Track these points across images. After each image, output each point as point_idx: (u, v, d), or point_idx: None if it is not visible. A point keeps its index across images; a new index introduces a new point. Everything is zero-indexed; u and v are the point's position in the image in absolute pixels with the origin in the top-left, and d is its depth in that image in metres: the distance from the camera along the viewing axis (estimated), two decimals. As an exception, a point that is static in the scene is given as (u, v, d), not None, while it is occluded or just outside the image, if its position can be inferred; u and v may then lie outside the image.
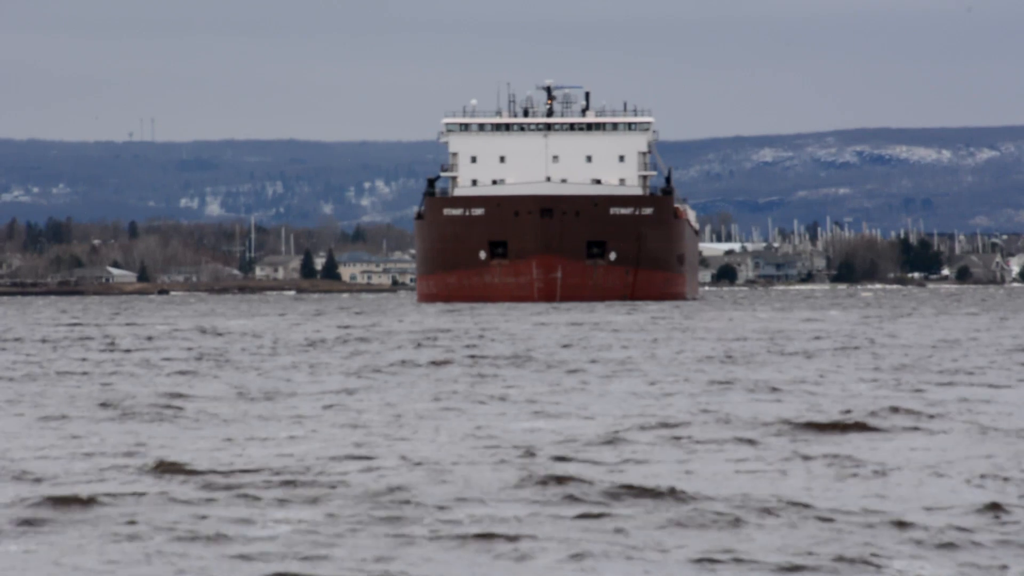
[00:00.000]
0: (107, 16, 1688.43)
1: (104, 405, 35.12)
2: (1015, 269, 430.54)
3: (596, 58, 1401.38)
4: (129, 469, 23.54)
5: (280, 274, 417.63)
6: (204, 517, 18.88)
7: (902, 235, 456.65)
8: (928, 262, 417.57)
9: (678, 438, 27.29)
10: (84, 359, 55.77)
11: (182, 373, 47.36)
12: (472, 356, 54.54)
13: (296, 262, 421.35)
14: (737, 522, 18.30)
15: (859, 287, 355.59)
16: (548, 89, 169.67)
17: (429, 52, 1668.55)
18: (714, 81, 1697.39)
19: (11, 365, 52.32)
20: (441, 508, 19.41)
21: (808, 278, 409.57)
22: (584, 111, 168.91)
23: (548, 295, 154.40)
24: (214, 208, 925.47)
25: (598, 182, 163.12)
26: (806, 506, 19.34)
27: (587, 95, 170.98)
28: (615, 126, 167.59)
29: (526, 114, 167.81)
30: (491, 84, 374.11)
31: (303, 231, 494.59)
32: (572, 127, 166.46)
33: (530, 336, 70.85)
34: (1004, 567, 15.94)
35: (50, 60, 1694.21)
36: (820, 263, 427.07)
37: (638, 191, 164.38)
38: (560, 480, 21.56)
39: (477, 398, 36.53)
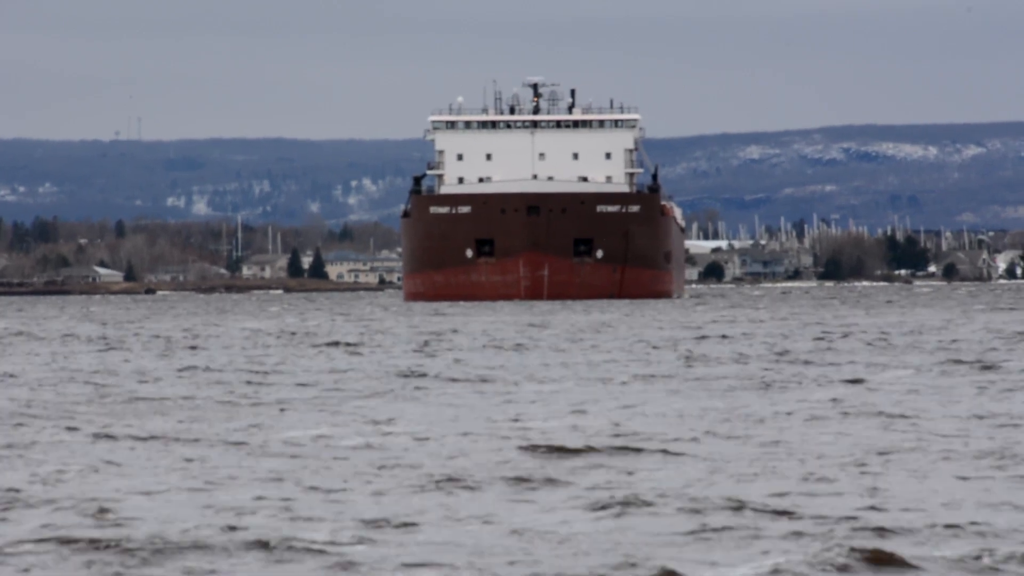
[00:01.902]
0: (93, 15, 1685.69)
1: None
2: (1001, 266, 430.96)
3: (581, 56, 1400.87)
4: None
5: (267, 273, 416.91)
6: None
7: (889, 232, 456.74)
8: (915, 259, 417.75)
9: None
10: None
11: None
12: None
13: (283, 261, 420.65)
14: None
15: (846, 284, 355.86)
16: (534, 86, 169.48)
17: (416, 50, 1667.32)
18: (700, 78, 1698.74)
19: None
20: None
21: (795, 275, 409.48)
22: (570, 108, 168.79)
23: (535, 293, 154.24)
24: (201, 207, 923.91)
25: (585, 179, 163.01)
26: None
27: (573, 92, 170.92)
28: (601, 123, 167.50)
29: (512, 111, 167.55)
30: (478, 82, 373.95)
31: (290, 230, 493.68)
32: (559, 124, 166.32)
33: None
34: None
35: (35, 59, 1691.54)
36: (807, 260, 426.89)
37: (625, 188, 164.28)
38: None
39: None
